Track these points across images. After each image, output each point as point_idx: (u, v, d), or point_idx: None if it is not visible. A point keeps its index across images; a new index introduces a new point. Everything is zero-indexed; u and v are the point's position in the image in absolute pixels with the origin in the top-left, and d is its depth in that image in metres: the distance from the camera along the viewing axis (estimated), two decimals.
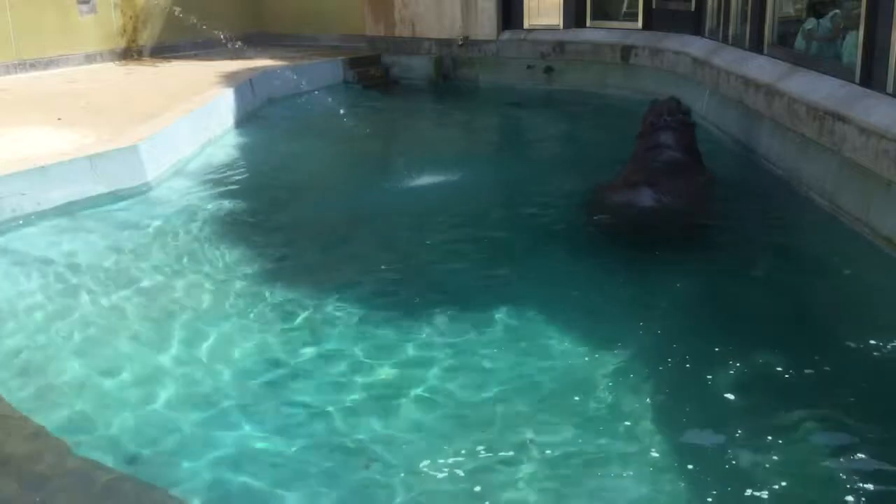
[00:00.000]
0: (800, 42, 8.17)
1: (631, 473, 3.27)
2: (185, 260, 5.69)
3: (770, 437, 3.47)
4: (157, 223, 6.42)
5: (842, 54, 7.12)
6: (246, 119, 10.44)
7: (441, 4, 14.07)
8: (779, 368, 4.02)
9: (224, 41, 11.70)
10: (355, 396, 3.88)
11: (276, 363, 4.23)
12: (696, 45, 10.58)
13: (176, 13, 13.26)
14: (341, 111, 10.55)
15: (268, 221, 6.65)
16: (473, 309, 4.74)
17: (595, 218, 6.24)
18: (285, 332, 4.57)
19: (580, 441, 3.48)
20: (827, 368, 4.08)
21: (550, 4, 13.12)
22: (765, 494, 3.16)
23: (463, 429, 3.60)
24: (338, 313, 4.76)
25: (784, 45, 8.42)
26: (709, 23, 10.68)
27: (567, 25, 13.01)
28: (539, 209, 6.66)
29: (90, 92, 10.41)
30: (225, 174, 8.01)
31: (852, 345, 4.29)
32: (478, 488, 3.22)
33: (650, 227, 5.90)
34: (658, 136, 6.98)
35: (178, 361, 4.26)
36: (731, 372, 4.01)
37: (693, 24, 11.12)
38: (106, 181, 6.87)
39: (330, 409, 3.78)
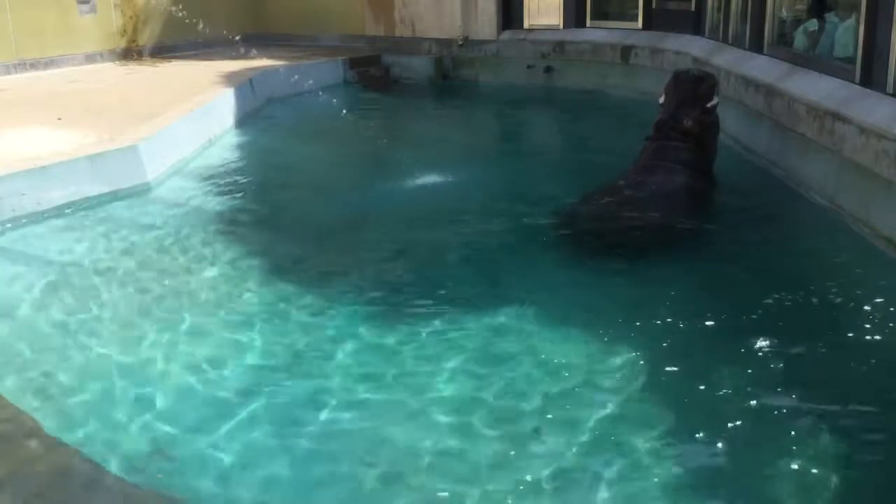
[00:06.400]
0: (800, 42, 8.17)
1: (633, 473, 3.27)
2: (185, 259, 5.69)
3: (769, 438, 3.48)
4: (157, 223, 6.42)
5: (842, 54, 7.12)
6: (246, 119, 10.44)
7: (441, 4, 14.07)
8: (778, 369, 4.02)
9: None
10: (355, 397, 3.88)
11: (276, 363, 4.22)
12: (696, 45, 10.58)
13: (176, 13, 13.26)
14: (341, 111, 10.54)
15: (268, 221, 6.65)
16: (473, 310, 4.74)
17: (581, 228, 6.14)
18: (285, 332, 4.56)
19: (581, 441, 3.48)
20: (826, 369, 4.08)
21: (550, 4, 13.12)
22: (762, 493, 3.17)
23: (463, 429, 3.59)
24: (338, 313, 4.76)
25: (784, 44, 8.42)
26: (709, 22, 10.69)
27: (567, 25, 13.01)
28: (539, 211, 6.65)
29: (90, 92, 10.41)
30: (225, 174, 8.00)
31: (852, 345, 4.29)
32: (480, 489, 3.22)
33: (638, 237, 5.87)
34: (661, 147, 6.54)
35: (178, 361, 4.26)
36: (730, 373, 4.00)
37: (693, 23, 11.13)
38: (106, 181, 6.87)
39: (329, 409, 3.78)
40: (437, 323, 4.57)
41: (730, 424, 3.58)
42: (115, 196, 6.86)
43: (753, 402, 3.74)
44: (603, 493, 3.16)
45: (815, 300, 4.85)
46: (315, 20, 15.79)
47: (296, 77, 11.94)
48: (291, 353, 4.32)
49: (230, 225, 6.48)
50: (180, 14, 12.94)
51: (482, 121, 11.97)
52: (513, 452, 3.42)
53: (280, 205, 7.11)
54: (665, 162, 6.48)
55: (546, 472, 3.28)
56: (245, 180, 7.83)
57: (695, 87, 6.77)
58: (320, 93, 11.98)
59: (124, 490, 3.22)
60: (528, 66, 13.13)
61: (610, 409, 3.71)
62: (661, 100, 6.92)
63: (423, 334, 4.46)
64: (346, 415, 3.74)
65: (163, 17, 14.29)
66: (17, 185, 6.28)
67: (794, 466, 3.30)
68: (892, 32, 5.86)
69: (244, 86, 11.00)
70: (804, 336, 4.38)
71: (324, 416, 3.73)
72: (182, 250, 5.87)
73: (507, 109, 12.42)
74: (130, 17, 13.83)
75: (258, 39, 15.44)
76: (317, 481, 3.30)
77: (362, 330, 4.54)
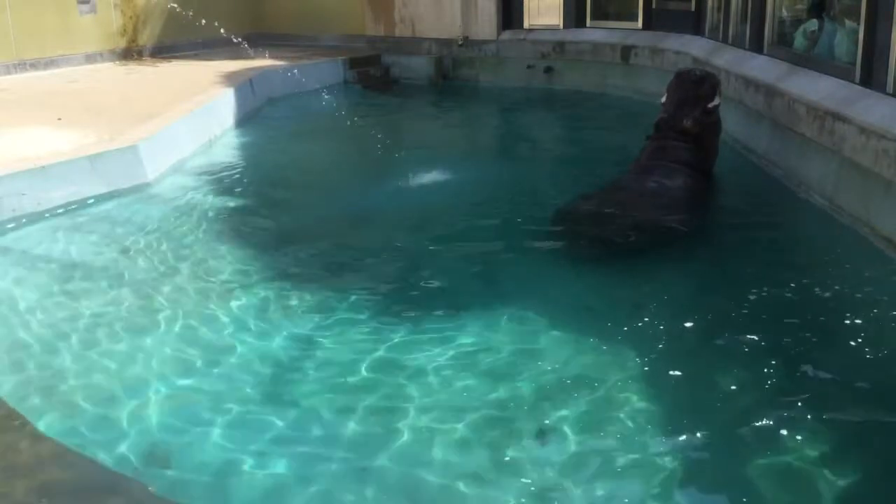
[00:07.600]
0: (800, 42, 8.18)
1: (633, 473, 3.28)
2: (185, 259, 5.69)
3: (770, 438, 3.47)
4: (157, 223, 6.42)
5: (842, 54, 7.13)
6: (246, 119, 10.44)
7: (441, 4, 14.07)
8: (778, 369, 4.02)
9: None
10: (354, 399, 3.88)
11: (275, 364, 4.22)
12: (696, 45, 10.58)
13: (176, 13, 13.25)
14: (341, 111, 10.56)
15: (268, 221, 6.65)
16: (473, 310, 4.74)
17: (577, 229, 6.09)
18: (285, 332, 4.56)
19: (582, 441, 3.48)
20: (826, 369, 4.07)
21: (550, 4, 13.13)
22: (761, 493, 3.17)
23: (463, 432, 3.59)
24: (337, 314, 4.76)
25: (784, 44, 8.42)
26: (709, 23, 10.70)
27: (567, 25, 13.01)
28: (539, 211, 6.65)
29: (90, 92, 10.41)
30: (225, 174, 8.01)
31: (852, 344, 4.29)
32: (481, 489, 3.22)
33: (638, 238, 5.85)
34: (661, 146, 6.55)
35: (179, 361, 4.26)
36: (731, 373, 4.01)
37: (693, 23, 11.13)
38: (106, 181, 6.87)
39: (330, 409, 3.78)
40: (435, 324, 4.57)
41: (730, 425, 3.58)
42: (114, 196, 6.87)
43: (753, 403, 3.74)
44: (605, 495, 3.17)
45: (814, 300, 4.85)
46: (315, 20, 15.79)
47: (296, 77, 11.95)
48: (290, 354, 4.32)
49: (230, 224, 6.48)
50: (180, 14, 12.94)
51: (482, 121, 11.98)
52: (513, 455, 3.42)
53: (280, 205, 7.12)
54: (665, 162, 6.47)
55: (547, 474, 3.28)
56: (245, 180, 7.83)
57: (696, 87, 6.78)
58: (320, 93, 11.98)
59: (131, 490, 3.23)
60: (528, 67, 13.13)
61: (610, 409, 3.70)
62: (663, 99, 6.92)
63: (422, 335, 4.46)
64: (345, 417, 3.73)
65: (163, 17, 14.29)
66: (17, 185, 6.28)
67: (796, 465, 3.30)
68: (893, 32, 5.87)
69: (244, 86, 11.00)
70: (804, 336, 4.38)
71: (322, 418, 3.73)
72: (181, 250, 5.86)
73: (506, 110, 12.42)
74: (130, 17, 13.83)
75: (258, 39, 15.42)
76: (315, 484, 3.29)
77: (360, 331, 4.54)
